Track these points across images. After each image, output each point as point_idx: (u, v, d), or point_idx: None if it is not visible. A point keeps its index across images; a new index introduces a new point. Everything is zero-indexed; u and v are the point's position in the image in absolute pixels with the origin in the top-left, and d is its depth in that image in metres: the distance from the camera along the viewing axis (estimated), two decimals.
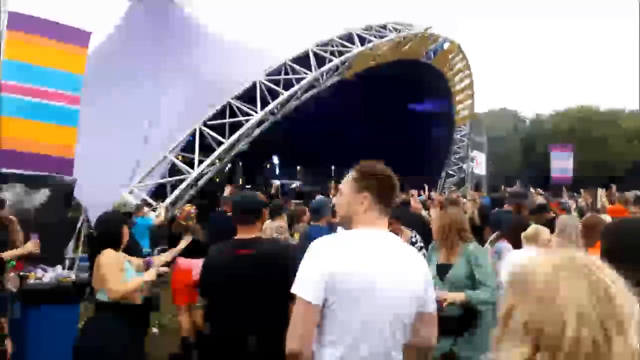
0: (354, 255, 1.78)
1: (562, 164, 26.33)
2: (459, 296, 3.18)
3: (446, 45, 19.82)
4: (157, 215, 8.33)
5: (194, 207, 6.40)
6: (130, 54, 14.46)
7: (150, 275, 3.43)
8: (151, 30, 15.10)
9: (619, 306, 0.86)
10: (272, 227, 5.77)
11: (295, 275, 2.67)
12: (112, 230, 3.47)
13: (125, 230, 3.52)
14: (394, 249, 1.88)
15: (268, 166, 24.43)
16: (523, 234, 4.18)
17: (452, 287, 3.29)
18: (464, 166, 28.03)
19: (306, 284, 1.74)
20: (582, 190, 14.78)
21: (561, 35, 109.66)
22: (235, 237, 2.95)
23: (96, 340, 3.13)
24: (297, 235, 6.45)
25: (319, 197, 7.52)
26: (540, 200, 8.30)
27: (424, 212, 9.25)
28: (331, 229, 4.37)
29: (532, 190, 8.55)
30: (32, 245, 4.20)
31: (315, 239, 1.95)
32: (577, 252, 0.98)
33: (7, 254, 4.03)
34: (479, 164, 33.46)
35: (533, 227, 4.23)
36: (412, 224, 7.68)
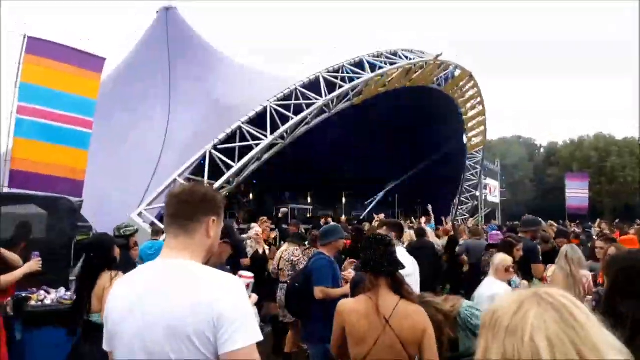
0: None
1: (577, 192, 25.98)
2: None
3: (457, 73, 19.92)
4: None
5: None
6: (144, 76, 14.77)
7: None
8: (166, 54, 15.44)
9: (590, 331, 0.86)
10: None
11: None
12: (104, 252, 3.51)
13: (117, 250, 3.60)
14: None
15: (278, 192, 24.47)
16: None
17: None
18: (477, 193, 27.83)
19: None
20: (598, 220, 14.61)
21: (577, 62, 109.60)
22: None
23: None
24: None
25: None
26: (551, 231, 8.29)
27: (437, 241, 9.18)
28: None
29: (545, 223, 8.46)
30: (34, 265, 4.19)
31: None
32: (542, 286, 0.99)
33: (9, 277, 4.01)
34: (492, 191, 33.23)
35: (493, 257, 4.29)
36: (424, 256, 7.69)
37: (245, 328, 1.48)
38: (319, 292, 3.94)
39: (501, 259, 4.17)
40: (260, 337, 1.51)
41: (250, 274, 2.16)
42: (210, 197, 1.70)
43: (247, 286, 1.92)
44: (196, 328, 1.45)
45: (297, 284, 4.34)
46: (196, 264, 1.61)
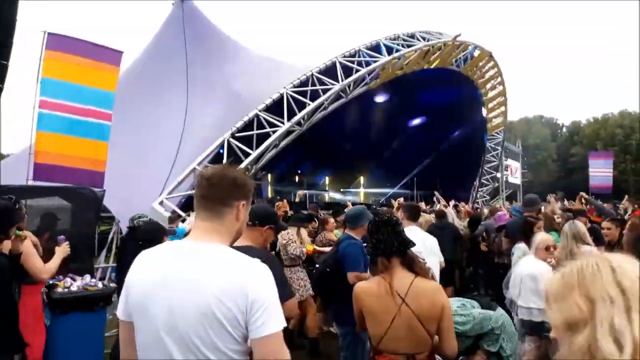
0: None
1: (601, 171, 25.41)
2: None
3: (476, 53, 19.56)
4: (188, 223, 8.53)
5: None
6: (162, 68, 14.91)
7: None
8: (183, 46, 15.53)
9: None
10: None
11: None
12: (154, 238, 3.60)
13: (166, 239, 3.67)
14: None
15: (296, 178, 24.59)
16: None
17: None
18: (498, 175, 27.47)
19: None
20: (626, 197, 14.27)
21: (600, 40, 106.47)
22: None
23: None
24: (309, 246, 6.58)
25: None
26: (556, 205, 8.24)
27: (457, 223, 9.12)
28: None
29: (550, 196, 8.34)
30: (65, 248, 4.29)
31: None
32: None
33: (52, 264, 4.10)
34: (513, 172, 32.75)
35: (535, 236, 4.27)
36: (446, 237, 7.71)
37: (275, 314, 1.52)
38: (353, 277, 3.95)
39: (542, 238, 4.15)
40: (285, 323, 1.56)
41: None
42: (241, 182, 1.72)
43: None
44: (227, 312, 1.48)
45: (328, 269, 4.36)
46: (226, 247, 1.64)
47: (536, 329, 3.85)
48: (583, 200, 8.38)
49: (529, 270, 3.95)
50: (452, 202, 10.84)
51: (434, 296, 2.54)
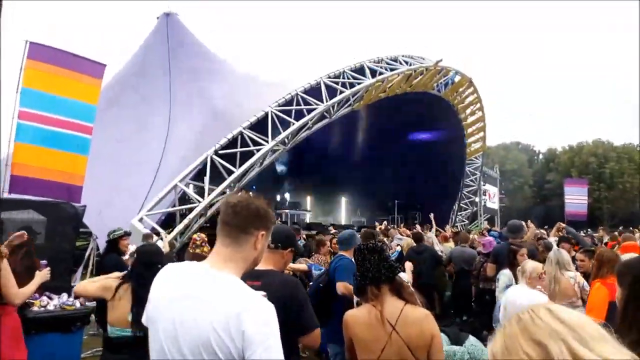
0: None
1: (576, 199, 25.95)
2: None
3: (457, 79, 19.96)
4: (163, 244, 8.32)
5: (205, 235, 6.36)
6: (145, 81, 14.78)
7: None
8: (166, 60, 15.46)
9: None
10: None
11: (299, 311, 2.64)
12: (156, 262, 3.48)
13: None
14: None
15: (278, 198, 24.45)
16: (518, 270, 4.28)
17: None
18: (476, 199, 27.80)
19: None
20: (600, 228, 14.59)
21: (576, 69, 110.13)
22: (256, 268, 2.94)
23: None
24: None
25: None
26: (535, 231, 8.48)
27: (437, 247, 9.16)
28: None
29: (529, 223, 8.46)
30: (44, 275, 4.13)
31: None
32: None
33: (26, 291, 3.95)
34: (491, 197, 33.22)
35: (524, 263, 4.24)
36: (424, 260, 7.74)
37: (271, 355, 1.50)
38: (341, 286, 3.99)
39: (533, 266, 4.08)
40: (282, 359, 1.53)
41: (263, 293, 2.18)
42: (263, 212, 1.78)
43: None
44: (222, 345, 1.49)
45: (321, 284, 4.42)
46: (236, 279, 1.66)
47: None
48: (561, 230, 8.48)
49: (527, 302, 3.86)
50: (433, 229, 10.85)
51: (423, 324, 2.52)
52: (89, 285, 3.48)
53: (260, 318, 1.53)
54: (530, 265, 4.11)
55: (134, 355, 3.22)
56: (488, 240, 7.74)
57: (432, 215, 11.31)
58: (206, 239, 5.98)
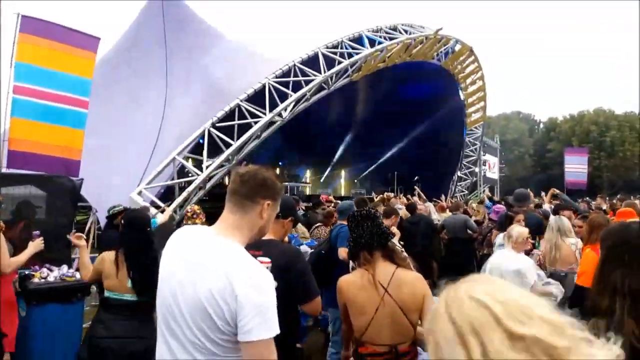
0: None
1: (576, 167, 25.94)
2: None
3: (457, 48, 19.69)
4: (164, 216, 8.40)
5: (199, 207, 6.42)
6: (142, 55, 14.60)
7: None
8: (163, 32, 15.23)
9: None
10: None
11: (299, 280, 2.71)
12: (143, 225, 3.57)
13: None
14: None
15: (277, 170, 24.50)
16: (504, 235, 4.37)
17: None
18: (476, 169, 27.80)
19: None
20: (598, 196, 14.66)
21: (577, 38, 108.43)
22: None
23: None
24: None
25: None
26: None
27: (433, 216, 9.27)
28: None
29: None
30: (38, 244, 4.21)
31: None
32: None
33: (19, 259, 4.03)
34: (491, 167, 33.23)
35: (510, 229, 4.31)
36: (419, 230, 7.85)
37: (265, 321, 1.55)
38: (342, 252, 4.09)
39: (519, 231, 4.15)
40: (277, 331, 1.57)
41: (268, 259, 2.24)
42: (270, 182, 1.83)
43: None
44: (218, 309, 1.56)
45: (323, 251, 4.54)
46: (239, 247, 1.71)
47: None
48: (554, 195, 8.57)
49: (514, 267, 3.88)
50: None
51: (415, 286, 2.59)
52: (87, 276, 3.59)
53: (254, 285, 1.57)
54: (517, 230, 4.18)
55: (135, 317, 3.27)
56: (500, 208, 7.87)
57: (417, 188, 11.35)
58: (197, 211, 6.07)
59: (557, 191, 8.55)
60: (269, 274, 1.66)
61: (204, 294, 1.56)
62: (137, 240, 3.37)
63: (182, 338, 1.62)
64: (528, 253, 4.58)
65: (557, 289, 3.90)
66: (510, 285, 0.89)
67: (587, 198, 14.63)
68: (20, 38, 7.32)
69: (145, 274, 3.20)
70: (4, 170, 6.52)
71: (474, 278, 0.91)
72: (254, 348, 1.53)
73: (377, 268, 2.61)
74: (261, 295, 1.57)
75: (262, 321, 1.53)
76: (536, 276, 3.90)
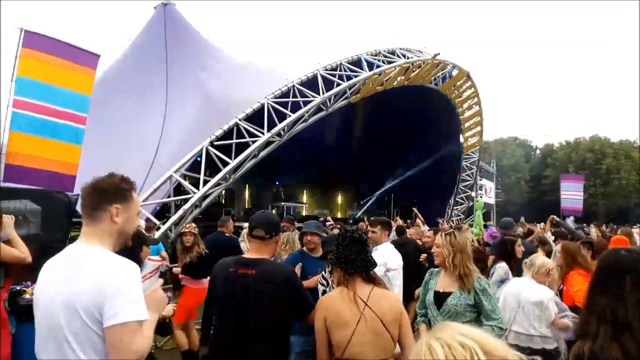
0: None
1: (572, 194, 25.95)
2: None
3: (454, 72, 19.91)
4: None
5: (195, 226, 6.46)
6: (141, 73, 14.71)
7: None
8: (163, 51, 15.37)
9: None
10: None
11: (294, 296, 2.72)
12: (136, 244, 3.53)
13: (146, 249, 3.59)
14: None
15: (274, 190, 24.46)
16: (524, 263, 4.25)
17: (450, 316, 3.19)
18: (472, 194, 27.84)
19: None
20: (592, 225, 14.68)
21: (574, 65, 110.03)
22: (243, 255, 3.01)
23: None
24: None
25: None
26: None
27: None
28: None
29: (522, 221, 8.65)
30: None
31: None
32: None
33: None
34: (487, 192, 33.28)
35: (532, 257, 4.23)
36: (405, 253, 7.81)
37: (130, 305, 1.67)
38: (313, 280, 4.07)
39: (543, 262, 4.00)
40: (144, 317, 1.71)
41: (158, 258, 2.43)
42: (111, 189, 1.92)
43: (156, 269, 2.17)
44: (84, 305, 1.67)
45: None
46: (99, 248, 1.83)
47: (532, 354, 3.77)
48: (554, 222, 8.62)
49: (535, 297, 3.77)
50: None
51: (393, 300, 2.71)
52: None
53: (120, 276, 1.72)
54: (541, 260, 4.02)
55: None
56: (495, 232, 7.89)
57: (415, 209, 11.43)
58: (194, 231, 6.12)
59: (557, 218, 8.60)
60: (135, 267, 1.79)
61: (72, 295, 1.70)
62: (130, 258, 3.34)
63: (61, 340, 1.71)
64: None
65: (572, 320, 3.76)
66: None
67: (584, 224, 14.64)
68: (23, 52, 7.38)
69: None
70: (1, 184, 6.50)
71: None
72: (116, 330, 1.64)
73: (356, 285, 2.67)
74: (126, 282, 1.71)
75: (125, 305, 1.67)
76: (556, 309, 3.79)
